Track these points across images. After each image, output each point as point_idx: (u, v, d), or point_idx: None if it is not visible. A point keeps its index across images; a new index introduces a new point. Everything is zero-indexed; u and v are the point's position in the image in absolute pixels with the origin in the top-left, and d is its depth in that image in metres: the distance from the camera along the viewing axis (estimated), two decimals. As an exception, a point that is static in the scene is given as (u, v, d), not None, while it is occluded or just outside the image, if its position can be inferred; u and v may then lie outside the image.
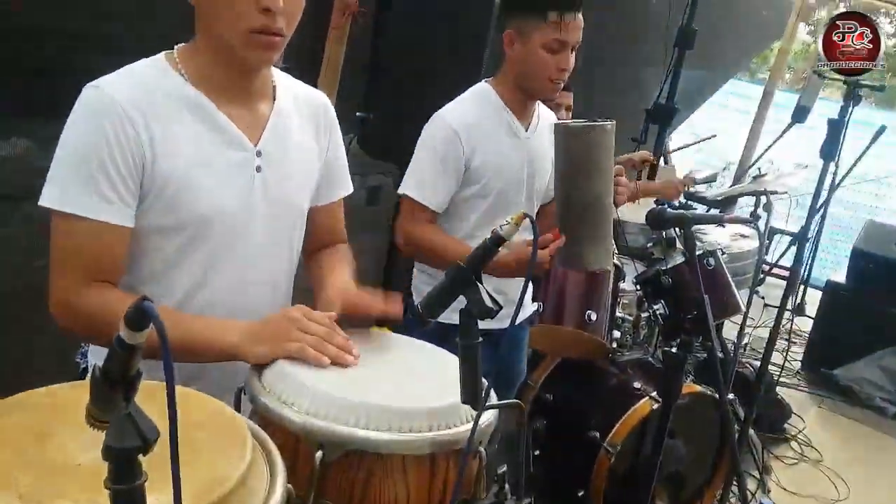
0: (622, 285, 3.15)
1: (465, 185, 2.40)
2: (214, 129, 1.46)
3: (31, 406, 0.99)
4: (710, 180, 4.22)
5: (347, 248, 1.82)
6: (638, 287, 3.35)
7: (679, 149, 5.81)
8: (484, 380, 1.33)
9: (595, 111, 5.58)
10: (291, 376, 1.20)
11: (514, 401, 1.26)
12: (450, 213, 2.45)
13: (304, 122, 1.64)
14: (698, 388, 3.12)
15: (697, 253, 3.23)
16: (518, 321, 2.62)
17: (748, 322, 4.72)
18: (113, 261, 1.39)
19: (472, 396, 1.12)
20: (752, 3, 7.33)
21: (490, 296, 1.14)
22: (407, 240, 2.41)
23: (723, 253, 3.40)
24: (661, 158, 7.99)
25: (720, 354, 4.48)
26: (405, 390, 1.25)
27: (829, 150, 2.90)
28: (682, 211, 2.27)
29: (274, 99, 1.57)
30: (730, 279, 3.30)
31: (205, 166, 1.44)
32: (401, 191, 2.40)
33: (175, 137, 1.41)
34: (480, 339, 1.13)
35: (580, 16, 2.29)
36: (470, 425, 1.14)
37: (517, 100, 2.42)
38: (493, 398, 1.32)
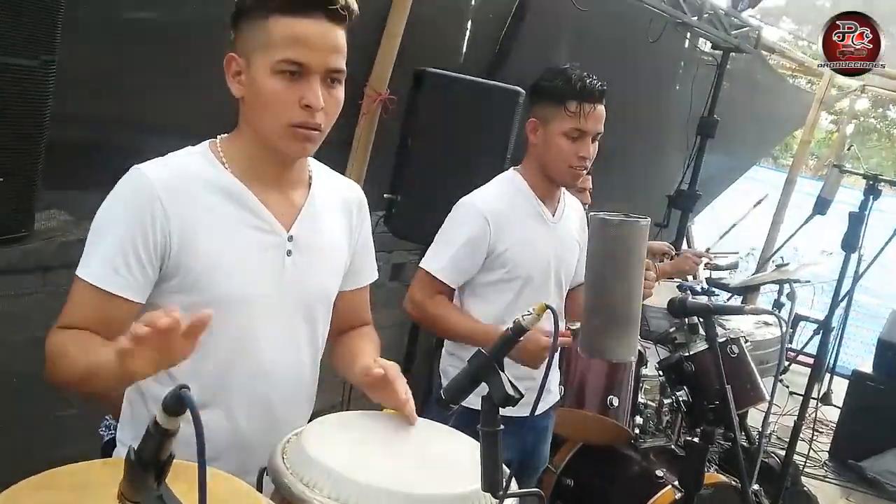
0: (644, 371, 3.13)
1: (490, 270, 2.43)
2: (248, 214, 1.51)
3: (57, 485, 1.00)
4: (732, 267, 4.22)
5: (373, 329, 1.85)
6: (660, 373, 3.35)
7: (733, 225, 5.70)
8: (505, 467, 1.34)
9: (618, 196, 5.69)
10: (314, 458, 1.21)
11: (535, 490, 1.26)
12: (477, 297, 2.48)
13: (336, 212, 1.69)
14: (722, 477, 3.08)
15: (720, 340, 3.25)
16: (543, 409, 2.61)
17: (773, 410, 4.67)
18: (110, 327, 1.40)
19: (492, 484, 1.13)
20: (775, 92, 7.44)
21: (512, 384, 1.15)
22: (417, 308, 2.44)
23: (746, 341, 3.40)
24: (685, 243, 8.06)
25: (744, 444, 4.44)
26: (426, 476, 1.25)
27: (851, 242, 2.91)
28: (704, 300, 2.27)
29: (309, 187, 1.63)
30: (753, 367, 3.28)
31: (236, 249, 1.49)
32: (421, 265, 2.45)
33: (208, 222, 1.47)
34: (502, 426, 1.15)
35: (601, 106, 2.35)
36: (491, 512, 1.14)
37: (543, 186, 2.46)
38: (514, 486, 1.32)
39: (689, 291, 4.12)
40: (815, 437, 5.55)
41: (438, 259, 2.41)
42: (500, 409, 1.16)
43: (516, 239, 2.41)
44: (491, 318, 2.46)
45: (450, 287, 2.42)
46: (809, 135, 7.66)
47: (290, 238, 1.56)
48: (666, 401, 3.20)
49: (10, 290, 2.60)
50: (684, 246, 8.08)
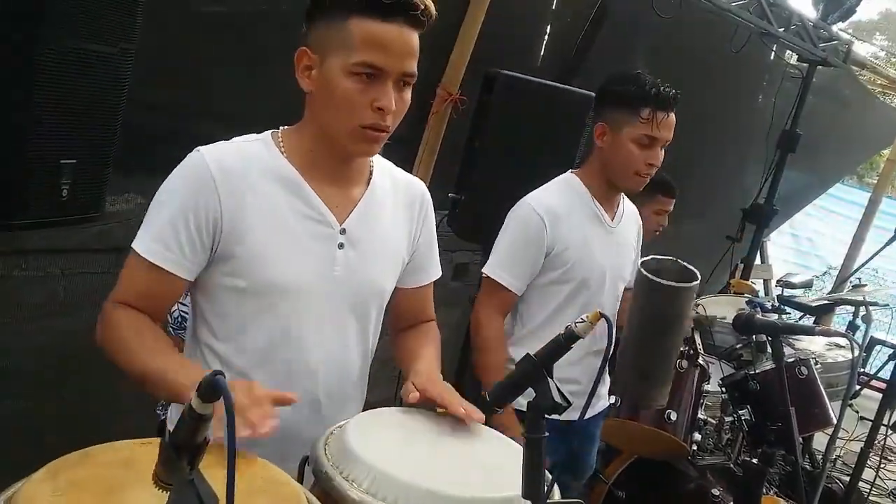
0: (706, 387, 3.06)
1: (546, 270, 2.41)
2: (302, 203, 1.52)
3: (98, 462, 1.03)
4: (806, 285, 4.09)
5: (435, 326, 1.84)
6: (723, 390, 3.27)
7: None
8: (548, 473, 1.32)
9: (693, 209, 5.57)
10: (356, 452, 1.21)
11: (577, 500, 1.23)
12: (530, 299, 2.46)
13: (398, 208, 1.68)
14: (781, 501, 2.98)
15: (789, 360, 3.15)
16: (591, 414, 2.57)
17: (841, 435, 4.51)
18: (158, 301, 1.49)
19: (533, 491, 1.11)
20: (863, 109, 7.20)
21: (559, 391, 1.13)
22: (476, 324, 2.43)
23: (816, 362, 3.29)
24: (758, 257, 7.86)
25: (807, 468, 4.30)
26: (468, 479, 1.24)
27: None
28: (773, 318, 2.20)
29: (369, 182, 1.63)
30: (822, 390, 3.17)
31: (287, 237, 1.50)
32: (484, 270, 2.44)
33: (261, 207, 1.48)
34: (546, 433, 1.13)
35: (672, 115, 2.31)
36: (530, 519, 1.12)
37: (603, 190, 2.43)
38: (557, 494, 1.30)
39: (759, 308, 4.01)
40: (883, 465, 5.33)
41: (502, 266, 2.40)
42: (546, 415, 1.13)
43: (574, 239, 2.38)
44: (539, 320, 2.44)
45: (514, 294, 2.41)
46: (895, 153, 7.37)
47: (343, 231, 1.55)
48: (727, 418, 3.12)
49: (84, 268, 2.69)
50: (757, 261, 7.92)
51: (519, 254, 2.38)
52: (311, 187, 1.52)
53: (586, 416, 2.43)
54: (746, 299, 4.12)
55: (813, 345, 3.74)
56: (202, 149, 1.48)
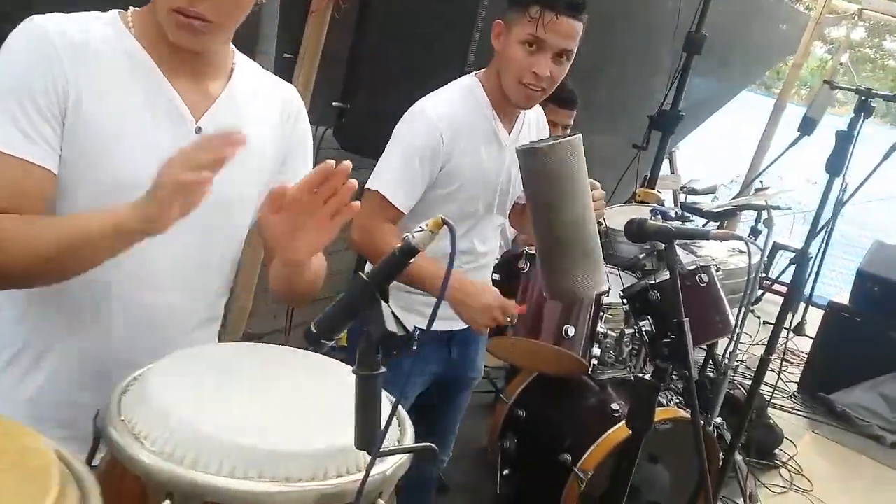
0: (606, 299, 2.95)
1: (436, 186, 2.18)
2: (154, 92, 1.33)
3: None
4: (709, 192, 4.01)
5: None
6: (625, 301, 3.17)
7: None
8: (403, 414, 1.14)
9: (600, 118, 5.42)
10: (155, 401, 0.99)
11: (427, 444, 1.05)
12: (418, 213, 2.22)
13: (262, 112, 1.49)
14: (681, 412, 2.92)
15: (689, 268, 3.07)
16: None
17: (745, 340, 4.53)
18: (31, 201, 1.25)
19: (366, 440, 0.93)
20: (769, 16, 7.10)
21: (396, 318, 0.94)
22: (363, 237, 2.15)
23: (717, 269, 3.21)
24: (668, 167, 7.83)
25: (711, 375, 4.31)
26: (292, 428, 1.03)
27: (836, 164, 2.67)
28: (664, 223, 2.06)
29: (230, 79, 1.44)
30: (723, 297, 3.10)
31: (134, 130, 1.30)
32: (369, 185, 2.16)
33: (107, 88, 1.28)
34: (383, 369, 0.94)
35: (570, 20, 2.03)
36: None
37: (502, 100, 2.18)
38: (409, 437, 1.13)
39: (660, 216, 3.92)
40: (785, 368, 5.44)
41: (392, 182, 2.12)
42: (382, 349, 0.94)
43: (469, 157, 2.16)
44: None
45: (401, 212, 2.14)
46: (802, 58, 7.34)
47: (199, 130, 1.36)
48: (628, 331, 3.02)
49: None
50: (665, 170, 7.89)
51: (413, 168, 2.11)
52: (164, 76, 1.33)
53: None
54: (651, 208, 4.02)
55: (716, 252, 3.67)
56: (37, 18, 1.26)
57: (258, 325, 3.54)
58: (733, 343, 3.09)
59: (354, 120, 3.10)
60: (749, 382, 4.18)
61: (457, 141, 2.12)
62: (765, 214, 3.22)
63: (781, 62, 9.69)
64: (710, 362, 4.27)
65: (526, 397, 3.11)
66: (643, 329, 2.98)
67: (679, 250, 3.72)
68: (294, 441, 0.98)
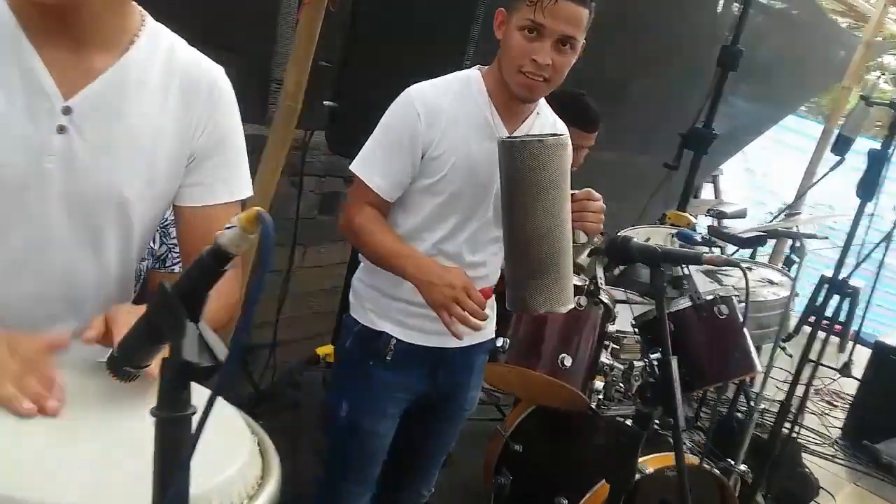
0: (612, 328, 2.66)
1: (421, 176, 2.00)
2: (15, 64, 1.12)
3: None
4: (738, 216, 3.68)
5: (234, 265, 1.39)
6: (636, 331, 2.87)
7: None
8: (269, 447, 0.89)
9: (627, 138, 5.13)
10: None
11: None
12: (401, 203, 2.05)
13: (169, 93, 1.27)
14: (694, 459, 2.61)
15: (707, 298, 2.75)
16: (472, 342, 2.14)
17: (785, 378, 4.17)
18: None
19: (163, 499, 0.67)
20: (818, 39, 6.75)
21: (205, 342, 0.67)
22: (343, 221, 2.05)
23: (740, 300, 2.89)
24: (714, 191, 7.48)
25: (740, 415, 3.96)
26: (109, 475, 0.79)
27: (869, 185, 2.35)
28: (652, 244, 1.78)
29: (125, 54, 1.22)
30: (746, 332, 2.77)
31: None
32: (352, 167, 2.04)
33: None
34: (192, 409, 0.68)
35: (573, 5, 1.83)
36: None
37: (503, 95, 1.98)
38: (276, 477, 0.87)
39: (686, 240, 3.60)
40: (828, 412, 5.06)
41: (368, 164, 2.00)
42: (195, 379, 0.68)
43: (456, 146, 1.95)
44: (404, 230, 2.04)
45: (380, 197, 1.99)
46: (852, 83, 6.94)
47: (68, 110, 1.15)
48: (637, 363, 2.71)
49: None
50: (705, 194, 7.54)
51: (390, 153, 1.96)
52: (30, 43, 1.12)
53: (458, 346, 2.02)
54: (675, 231, 3.71)
55: (743, 281, 3.33)
56: None
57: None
58: (763, 381, 2.80)
59: (347, 121, 2.88)
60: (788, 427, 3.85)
61: (438, 126, 1.94)
62: (796, 241, 2.90)
63: (831, 87, 9.30)
64: (743, 402, 3.94)
65: (524, 430, 2.84)
66: (653, 362, 2.68)
67: (703, 277, 3.42)
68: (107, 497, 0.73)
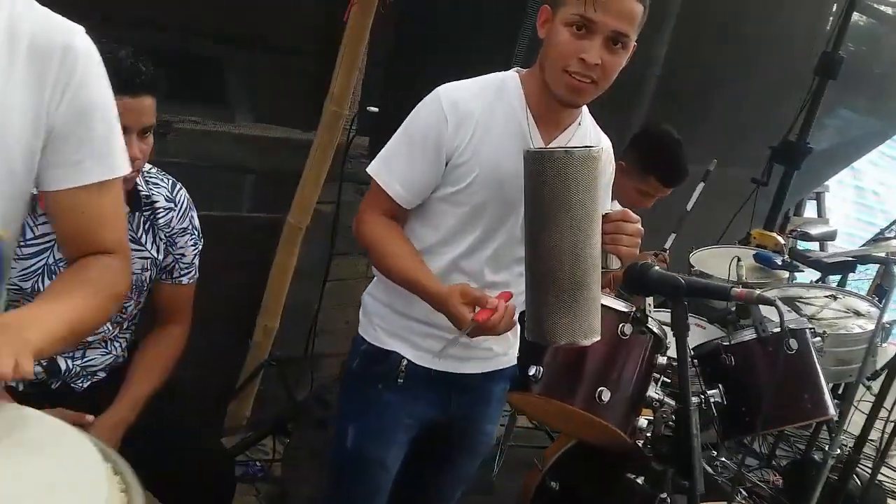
0: (661, 359, 2.41)
1: (444, 184, 1.84)
2: None
3: None
4: (826, 238, 3.35)
5: (106, 260, 1.24)
6: (695, 362, 2.62)
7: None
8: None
9: (711, 141, 4.81)
10: None
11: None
12: (419, 212, 1.89)
13: (14, 62, 1.10)
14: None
15: (773, 331, 2.47)
16: (484, 370, 2.02)
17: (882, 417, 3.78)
18: None
19: None
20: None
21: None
22: (358, 224, 1.89)
23: (815, 334, 2.60)
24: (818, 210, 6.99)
25: (817, 458, 3.61)
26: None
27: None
28: (680, 275, 1.55)
29: None
30: (818, 369, 2.48)
31: None
32: (369, 170, 1.88)
33: None
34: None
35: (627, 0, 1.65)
36: None
37: (543, 100, 1.80)
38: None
39: (766, 262, 3.31)
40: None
41: (386, 162, 1.84)
42: None
43: (484, 152, 1.78)
44: (424, 245, 1.88)
45: (397, 204, 1.83)
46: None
47: None
48: (693, 400, 2.46)
49: None
50: (808, 212, 7.04)
51: (412, 157, 1.80)
52: None
53: (475, 371, 1.93)
54: (755, 252, 3.42)
55: (825, 310, 3.02)
56: None
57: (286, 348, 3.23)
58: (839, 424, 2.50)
59: (392, 127, 2.75)
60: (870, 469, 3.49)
61: (466, 130, 1.77)
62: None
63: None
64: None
65: (563, 466, 2.62)
66: (711, 400, 2.43)
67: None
68: None
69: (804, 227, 3.37)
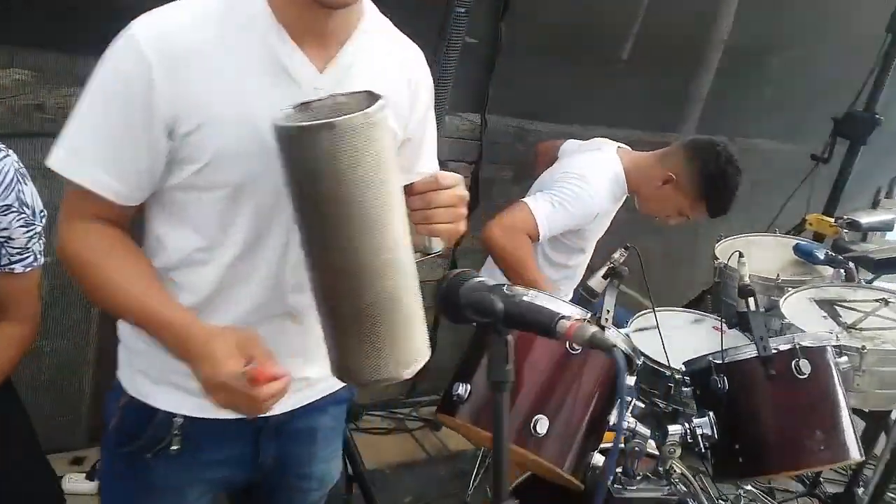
0: (631, 379, 1.93)
1: (176, 163, 1.18)
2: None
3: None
4: (880, 228, 2.74)
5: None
6: (686, 381, 2.12)
7: None
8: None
9: (766, 113, 4.19)
10: None
11: None
12: (168, 212, 1.28)
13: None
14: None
15: (782, 348, 1.93)
16: (305, 402, 1.47)
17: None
18: None
19: None
20: None
21: None
22: (61, 245, 1.24)
23: (844, 351, 2.04)
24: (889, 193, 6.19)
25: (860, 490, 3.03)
26: None
27: None
28: (493, 293, 1.04)
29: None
30: (841, 400, 1.93)
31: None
32: (48, 161, 1.17)
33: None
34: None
35: None
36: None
37: (296, 7, 1.18)
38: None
39: (807, 256, 2.75)
40: None
41: (80, 153, 1.17)
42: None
43: (225, 102, 1.18)
44: (184, 253, 1.28)
45: (120, 207, 1.22)
46: None
47: None
48: (673, 429, 1.95)
49: None
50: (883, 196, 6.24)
51: (105, 126, 1.18)
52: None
53: (286, 410, 1.40)
54: (795, 244, 2.84)
55: (871, 318, 2.42)
56: None
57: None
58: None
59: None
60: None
61: (189, 76, 1.16)
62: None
63: None
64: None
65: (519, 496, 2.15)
66: (697, 430, 1.93)
67: (816, 311, 2.54)
68: None
69: (854, 214, 2.76)
